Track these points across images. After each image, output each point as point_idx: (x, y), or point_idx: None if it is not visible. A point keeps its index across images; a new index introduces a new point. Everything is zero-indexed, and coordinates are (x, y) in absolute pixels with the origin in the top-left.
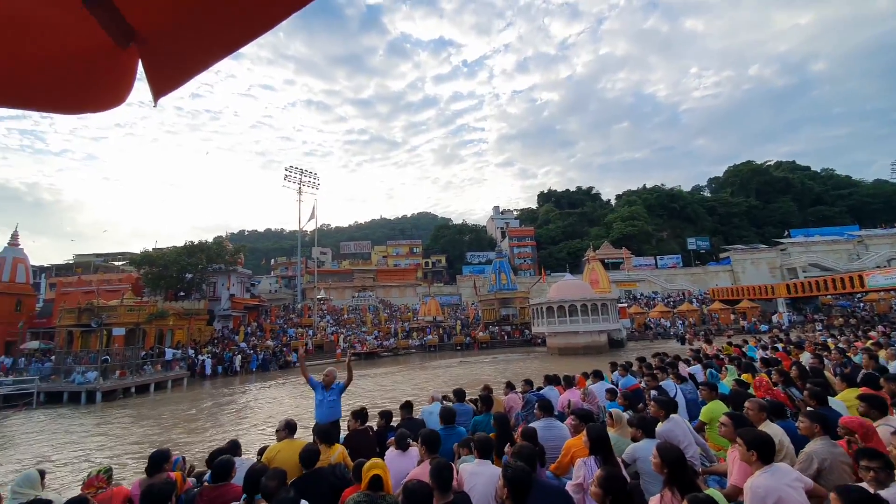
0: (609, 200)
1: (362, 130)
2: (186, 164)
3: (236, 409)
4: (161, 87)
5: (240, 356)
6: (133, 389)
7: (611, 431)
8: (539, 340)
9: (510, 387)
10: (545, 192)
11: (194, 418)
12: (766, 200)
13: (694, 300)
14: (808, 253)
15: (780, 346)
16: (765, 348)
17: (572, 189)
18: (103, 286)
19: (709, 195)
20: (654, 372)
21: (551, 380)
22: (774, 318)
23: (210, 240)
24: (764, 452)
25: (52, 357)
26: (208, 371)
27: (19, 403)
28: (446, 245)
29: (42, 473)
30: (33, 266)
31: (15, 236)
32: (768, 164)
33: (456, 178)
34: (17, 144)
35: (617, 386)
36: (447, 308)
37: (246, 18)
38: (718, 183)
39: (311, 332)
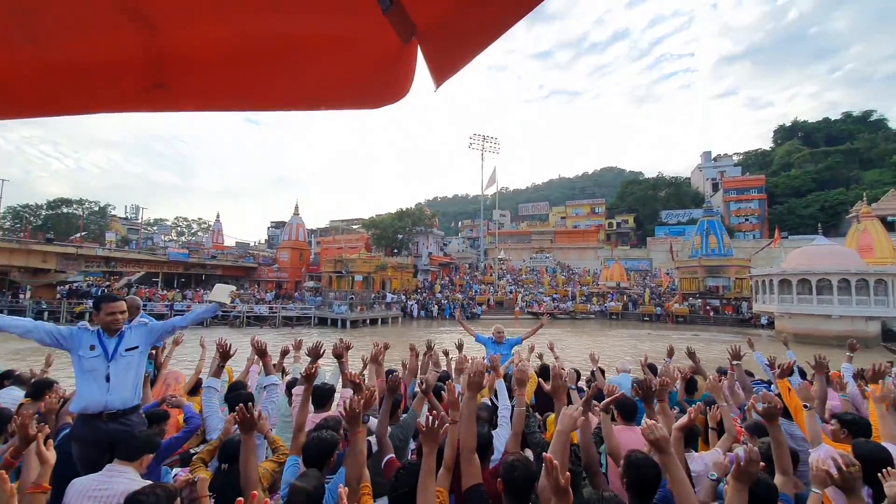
0: None
1: (540, 86)
2: (395, 141)
3: (444, 346)
4: (441, 73)
5: (437, 305)
6: (367, 321)
7: None
8: (761, 321)
9: (721, 372)
10: (788, 124)
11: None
12: None
13: None
14: None
15: None
16: None
17: (834, 117)
18: (348, 244)
19: None
20: None
21: (784, 371)
22: None
23: (412, 206)
24: None
25: (320, 293)
26: (415, 314)
27: (303, 323)
28: (635, 203)
29: None
30: (308, 229)
31: (296, 208)
32: None
33: (650, 122)
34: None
35: None
36: (634, 273)
37: None
38: None
39: (492, 289)
